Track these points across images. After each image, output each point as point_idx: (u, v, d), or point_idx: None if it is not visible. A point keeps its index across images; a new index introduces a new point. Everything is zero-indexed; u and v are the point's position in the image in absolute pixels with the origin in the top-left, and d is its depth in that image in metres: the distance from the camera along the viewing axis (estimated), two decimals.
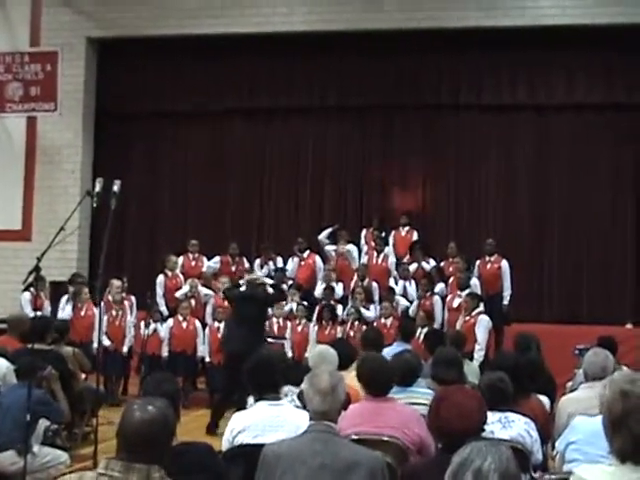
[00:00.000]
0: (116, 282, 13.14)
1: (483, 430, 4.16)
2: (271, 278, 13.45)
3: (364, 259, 14.52)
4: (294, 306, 13.45)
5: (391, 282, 14.05)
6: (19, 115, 16.87)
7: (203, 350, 13.07)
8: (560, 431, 5.51)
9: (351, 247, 14.66)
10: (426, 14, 15.31)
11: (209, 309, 13.69)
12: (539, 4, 15.23)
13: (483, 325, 11.91)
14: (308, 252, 14.72)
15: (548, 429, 6.09)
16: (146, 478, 3.25)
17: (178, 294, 13.84)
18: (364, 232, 15.17)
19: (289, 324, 13.25)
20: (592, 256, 15.64)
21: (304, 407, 4.50)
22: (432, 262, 14.27)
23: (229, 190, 16.99)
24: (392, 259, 14.45)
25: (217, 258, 14.71)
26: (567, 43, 15.13)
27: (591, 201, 15.67)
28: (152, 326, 13.11)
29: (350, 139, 16.77)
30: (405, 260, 14.42)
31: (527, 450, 5.28)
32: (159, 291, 14.13)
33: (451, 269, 13.84)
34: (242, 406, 5.93)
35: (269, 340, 12.03)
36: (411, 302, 13.39)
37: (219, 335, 12.69)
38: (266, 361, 5.57)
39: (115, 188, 8.02)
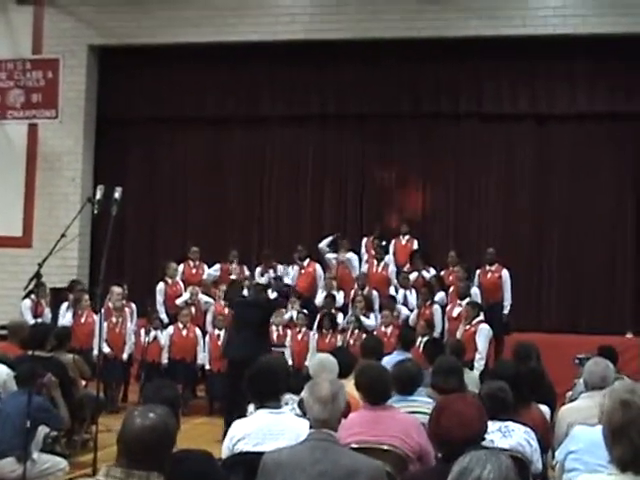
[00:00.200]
0: (116, 289, 13.13)
1: (484, 439, 4.15)
2: (271, 286, 13.48)
3: (364, 267, 14.52)
4: (294, 314, 13.43)
5: (391, 291, 14.06)
6: (20, 122, 16.89)
7: (203, 358, 13.05)
8: (560, 440, 5.51)
9: (351, 255, 14.67)
10: (426, 23, 15.33)
11: (209, 317, 13.67)
12: (540, 13, 15.22)
13: (484, 334, 11.89)
14: (308, 260, 14.72)
15: (548, 438, 6.08)
16: None
17: (178, 301, 13.83)
18: (365, 240, 15.17)
19: (289, 332, 13.24)
20: (592, 266, 15.64)
21: (304, 415, 4.50)
22: (432, 271, 14.27)
23: (229, 197, 17.01)
24: (392, 268, 14.46)
25: (217, 265, 14.70)
26: (568, 52, 15.17)
27: (592, 211, 15.67)
28: (152, 333, 13.11)
29: (350, 147, 16.79)
30: (405, 269, 14.42)
31: (527, 459, 5.28)
32: (159, 298, 14.12)
33: (451, 278, 13.83)
34: (242, 414, 5.91)
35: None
36: (412, 311, 13.39)
37: (219, 343, 12.69)
38: (267, 369, 5.56)
39: (116, 195, 8.07)
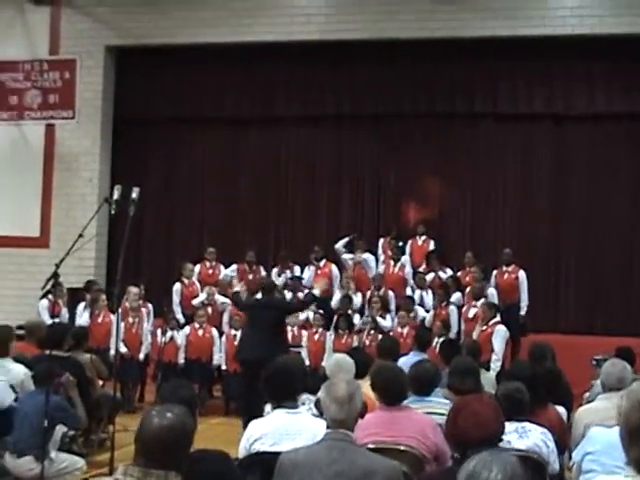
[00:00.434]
0: (134, 289, 13.16)
1: (501, 440, 4.15)
2: (288, 287, 13.51)
3: (381, 268, 14.52)
4: (310, 315, 13.44)
5: (408, 291, 14.05)
6: (37, 122, 16.96)
7: (219, 358, 13.09)
8: (577, 442, 5.50)
9: (368, 256, 14.66)
10: (441, 23, 15.30)
11: (226, 317, 13.71)
12: (557, 14, 15.16)
13: (500, 335, 11.87)
14: (324, 261, 14.73)
15: (565, 439, 6.07)
16: None
17: (195, 302, 13.86)
18: (381, 241, 15.18)
19: (304, 332, 13.26)
20: (609, 267, 15.57)
21: (321, 415, 4.50)
22: (449, 271, 14.26)
23: (245, 198, 17.02)
24: (408, 268, 14.45)
25: (234, 266, 14.72)
26: (585, 53, 15.11)
27: (609, 212, 15.59)
28: (169, 334, 13.15)
29: (365, 148, 16.78)
30: (422, 269, 14.40)
31: (544, 460, 5.26)
32: (176, 299, 14.16)
33: (468, 279, 13.81)
34: (259, 414, 5.92)
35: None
36: (428, 312, 13.37)
37: (235, 343, 12.71)
38: (284, 369, 5.57)
39: (134, 195, 8.08)
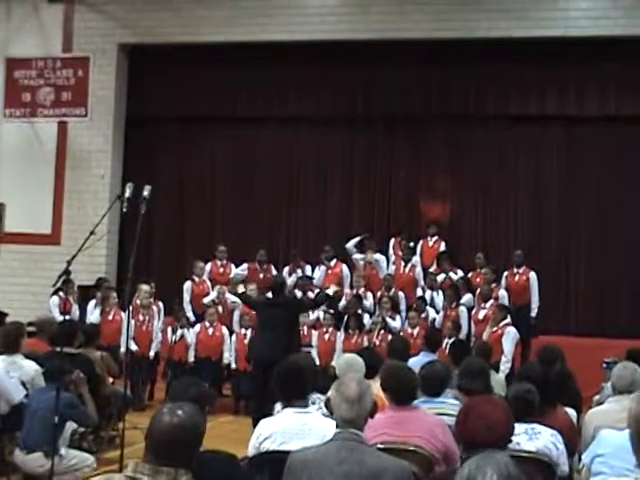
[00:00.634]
0: (145, 287, 13.18)
1: (510, 441, 4.14)
2: (298, 286, 13.51)
3: (391, 269, 14.50)
4: (321, 314, 13.45)
5: (419, 292, 14.04)
6: (50, 120, 17.00)
7: (229, 357, 13.11)
8: (587, 444, 5.49)
9: (379, 256, 14.65)
10: (455, 24, 15.28)
11: (236, 316, 13.71)
12: (570, 15, 15.13)
13: (510, 337, 11.88)
14: (335, 261, 14.73)
15: (575, 442, 6.05)
16: None
17: (205, 300, 13.87)
18: (392, 241, 15.17)
19: (314, 332, 13.27)
20: (620, 268, 15.50)
21: (331, 415, 4.51)
22: (460, 272, 14.24)
23: (257, 196, 17.02)
24: (419, 269, 14.44)
25: (245, 265, 14.73)
26: (598, 54, 15.06)
27: (621, 214, 15.55)
28: (179, 332, 13.18)
29: (378, 148, 16.76)
30: (432, 270, 14.39)
31: (553, 462, 5.26)
32: (186, 297, 14.17)
33: (479, 280, 13.80)
34: (269, 413, 5.92)
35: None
36: (438, 312, 13.36)
37: (246, 342, 12.73)
38: (295, 368, 5.57)
39: (145, 193, 8.10)
